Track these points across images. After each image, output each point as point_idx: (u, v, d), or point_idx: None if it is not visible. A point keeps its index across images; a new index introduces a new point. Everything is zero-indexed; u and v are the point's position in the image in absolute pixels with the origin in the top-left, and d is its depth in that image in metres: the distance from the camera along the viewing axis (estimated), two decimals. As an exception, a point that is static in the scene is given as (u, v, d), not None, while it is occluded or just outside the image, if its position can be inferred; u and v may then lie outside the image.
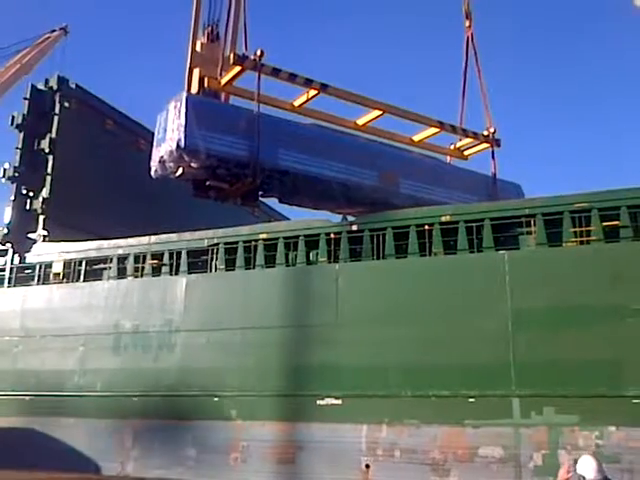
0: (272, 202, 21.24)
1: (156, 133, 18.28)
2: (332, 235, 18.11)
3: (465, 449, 15.11)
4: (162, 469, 17.77)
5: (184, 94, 17.38)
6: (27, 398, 20.22)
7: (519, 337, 15.18)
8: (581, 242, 15.64)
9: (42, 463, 18.32)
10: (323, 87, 18.96)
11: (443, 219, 17.07)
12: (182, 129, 16.72)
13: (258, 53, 17.89)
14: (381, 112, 20.18)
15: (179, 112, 17.00)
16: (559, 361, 14.68)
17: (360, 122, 20.62)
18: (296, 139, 18.78)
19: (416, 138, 21.85)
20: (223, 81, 18.43)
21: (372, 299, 16.91)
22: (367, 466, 15.76)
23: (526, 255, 16.16)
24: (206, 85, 18.41)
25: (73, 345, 20.03)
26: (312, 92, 19.02)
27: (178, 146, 16.70)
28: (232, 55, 18.07)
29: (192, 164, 17.17)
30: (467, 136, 22.52)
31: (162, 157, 17.50)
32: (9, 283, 22.56)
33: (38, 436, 19.49)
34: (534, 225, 16.15)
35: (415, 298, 16.50)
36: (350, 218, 18.70)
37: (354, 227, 18.03)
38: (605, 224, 15.49)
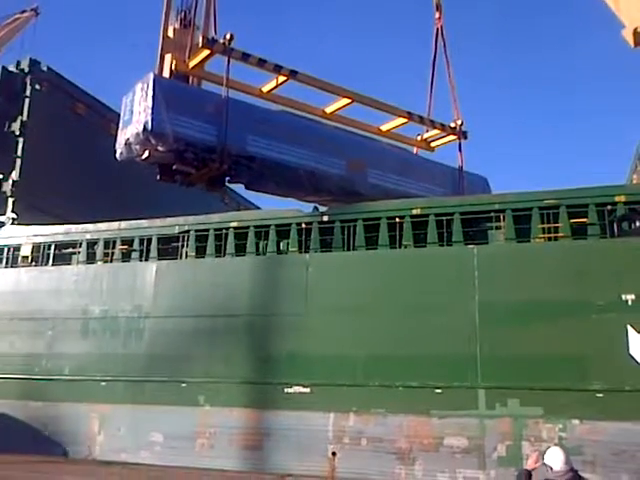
0: (243, 191, 20.64)
1: (122, 115, 17.50)
2: (303, 225, 17.68)
3: (431, 439, 14.88)
4: (128, 453, 17.27)
5: (151, 75, 16.58)
6: (-5, 381, 19.42)
7: (486, 330, 14.96)
8: (549, 238, 15.47)
9: (10, 446, 17.59)
10: (292, 73, 18.46)
11: (414, 212, 16.72)
12: (149, 111, 15.97)
13: (227, 37, 17.25)
14: (350, 100, 19.73)
15: (146, 94, 16.22)
16: (525, 355, 14.51)
17: (328, 110, 20.19)
18: (264, 125, 18.20)
19: (384, 128, 21.52)
20: (191, 64, 17.78)
21: (342, 290, 16.56)
22: (334, 454, 15.40)
23: (495, 250, 15.91)
24: (173, 67, 17.73)
25: (41, 329, 19.40)
26: (281, 78, 18.49)
27: (145, 128, 15.97)
28: (201, 38, 17.43)
29: (159, 147, 16.47)
30: (435, 127, 22.21)
31: (128, 139, 16.74)
32: (-24, 266, 21.60)
33: (6, 419, 18.83)
34: (503, 220, 15.92)
35: (385, 290, 16.18)
36: (322, 209, 18.27)
37: (325, 218, 17.59)
38: (573, 221, 15.33)
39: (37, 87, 24.01)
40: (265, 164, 17.83)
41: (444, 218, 16.33)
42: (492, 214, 16.10)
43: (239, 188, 20.48)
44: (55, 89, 24.86)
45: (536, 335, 14.46)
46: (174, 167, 17.36)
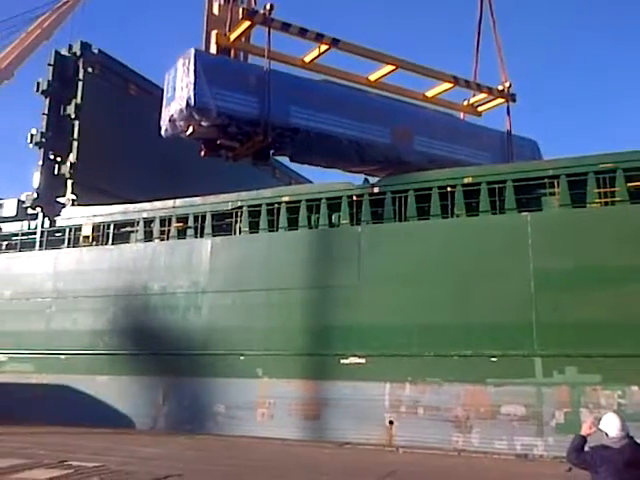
0: (294, 165, 20.74)
1: (165, 92, 17.50)
2: (354, 197, 17.68)
3: (487, 407, 14.90)
4: (192, 424, 17.80)
5: (192, 50, 16.48)
6: (62, 357, 20.27)
7: (541, 297, 14.77)
8: (605, 203, 15.06)
9: (77, 419, 18.38)
10: (334, 42, 18.11)
11: (465, 181, 16.54)
12: (191, 86, 15.93)
13: (267, 7, 17.00)
14: (394, 67, 19.27)
15: (188, 69, 16.17)
16: (582, 321, 14.29)
17: (372, 78, 19.75)
18: (307, 96, 17.98)
19: (429, 94, 21.01)
20: (232, 37, 17.59)
21: (394, 261, 16.55)
22: (391, 422, 15.60)
23: (549, 216, 15.63)
24: (214, 41, 17.55)
25: (104, 306, 20.03)
26: (323, 47, 18.16)
27: (188, 104, 15.96)
28: (241, 10, 17.16)
29: (202, 122, 16.46)
30: (481, 91, 21.55)
31: (172, 116, 16.78)
32: (40, 246, 22.54)
33: (73, 393, 19.66)
34: (557, 186, 15.57)
35: (437, 259, 16.10)
36: (372, 180, 18.16)
37: (376, 189, 17.55)
38: (630, 185, 14.88)
39: (89, 70, 24.38)
40: (309, 135, 17.66)
41: (496, 186, 16.10)
42: (546, 180, 15.78)
43: (289, 162, 20.58)
44: (107, 71, 25.23)
45: (594, 302, 14.21)
46: (218, 142, 17.41)
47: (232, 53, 18.69)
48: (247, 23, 17.12)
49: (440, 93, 21.07)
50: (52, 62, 24.10)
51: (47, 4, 39.38)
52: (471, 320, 15.32)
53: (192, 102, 15.88)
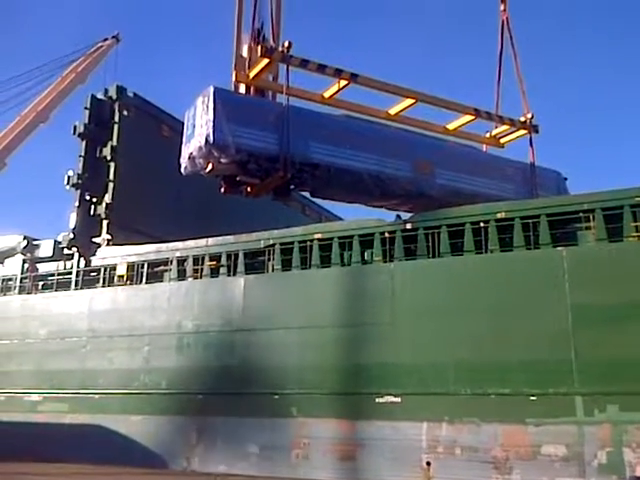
0: (324, 202, 20.75)
1: (185, 130, 17.58)
2: (386, 234, 17.62)
3: (527, 447, 14.53)
4: (226, 465, 17.63)
5: (211, 88, 16.51)
6: (96, 396, 20.32)
7: (580, 334, 14.47)
8: (644, 237, 14.79)
9: (111, 458, 18.40)
10: (353, 77, 18.02)
11: (498, 216, 16.42)
12: (210, 124, 15.99)
13: (286, 44, 17.04)
14: (414, 100, 19.09)
15: (207, 107, 16.25)
16: (624, 358, 13.93)
17: (392, 112, 19.55)
18: (327, 131, 17.88)
19: (450, 126, 20.79)
20: (252, 74, 17.57)
21: (429, 297, 16.39)
22: (428, 463, 15.21)
23: (586, 251, 15.38)
24: (234, 79, 17.56)
25: (138, 345, 20.07)
26: (343, 82, 18.04)
27: (207, 141, 16.01)
28: (260, 47, 17.11)
29: (221, 159, 16.41)
30: (503, 122, 21.30)
31: (191, 153, 16.81)
32: (76, 286, 22.76)
33: (107, 433, 19.62)
34: (593, 220, 15.35)
35: (472, 296, 15.89)
36: (404, 216, 18.14)
37: (408, 226, 17.50)
38: (668, 218, 14.61)
39: (125, 113, 24.94)
40: (329, 171, 17.53)
41: (530, 221, 15.94)
42: (581, 214, 15.59)
43: (321, 200, 20.62)
44: (141, 114, 25.74)
45: (635, 337, 13.89)
46: (238, 178, 17.30)
47: (260, 92, 18.66)
48: (265, 61, 17.12)
49: (461, 125, 20.85)
50: (88, 105, 24.64)
51: (80, 50, 40.57)
52: (508, 357, 15.04)
53: (211, 139, 15.94)
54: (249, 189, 17.93)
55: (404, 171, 18.60)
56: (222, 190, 17.86)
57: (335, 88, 18.30)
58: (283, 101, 17.39)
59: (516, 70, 21.50)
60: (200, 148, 16.32)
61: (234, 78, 17.62)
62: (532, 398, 14.59)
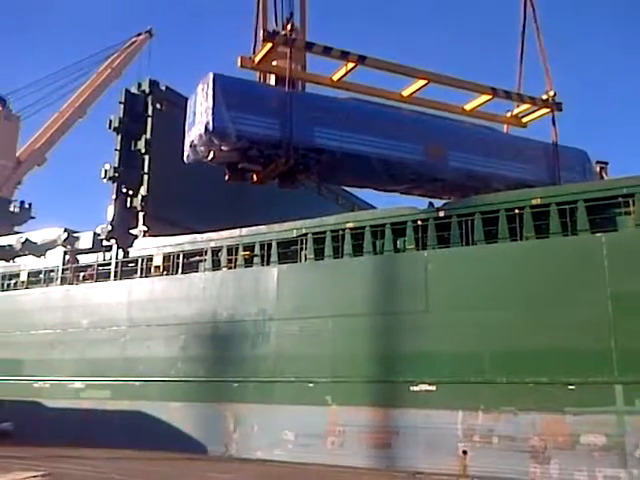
0: (357, 191, 20.03)
1: (187, 118, 16.57)
2: (419, 222, 16.93)
3: (566, 436, 13.78)
4: (263, 451, 17.29)
5: (210, 75, 15.36)
6: (137, 384, 20.16)
7: (620, 322, 13.65)
8: (686, 221, 13.85)
9: (151, 444, 18.19)
10: (361, 59, 16.63)
11: (534, 202, 15.59)
12: (210, 111, 14.92)
13: (288, 27, 15.86)
14: (426, 81, 17.61)
15: (207, 94, 15.19)
16: (666, 346, 13.05)
17: (405, 93, 18.04)
18: (332, 115, 16.55)
19: (468, 107, 19.10)
20: (257, 59, 16.26)
21: (463, 285, 15.69)
22: (464, 452, 14.65)
23: (626, 237, 14.49)
24: (239, 64, 16.28)
25: (175, 334, 19.80)
26: (350, 65, 16.71)
27: (206, 129, 14.97)
28: (262, 32, 15.86)
29: (222, 147, 15.42)
30: (523, 101, 19.61)
31: (192, 141, 15.86)
32: (115, 277, 22.63)
33: (147, 419, 19.47)
34: (633, 205, 14.44)
35: (508, 283, 15.17)
36: (437, 204, 17.39)
37: (441, 213, 16.79)
38: None
39: (158, 106, 24.59)
40: (335, 156, 16.29)
41: (567, 207, 15.11)
42: (620, 199, 14.70)
43: (353, 189, 19.82)
44: (174, 106, 25.29)
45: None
46: (240, 166, 16.35)
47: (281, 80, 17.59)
48: (269, 45, 15.96)
49: (479, 106, 19.17)
50: (123, 100, 24.33)
51: (114, 45, 40.46)
52: (545, 346, 14.30)
53: (210, 127, 14.93)
54: (254, 177, 16.86)
55: (415, 154, 17.17)
56: (226, 178, 16.83)
57: (343, 71, 16.96)
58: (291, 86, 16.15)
59: (539, 45, 20.16)
60: (200, 136, 15.36)
61: (239, 63, 16.31)
62: (570, 387, 13.83)
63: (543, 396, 14.08)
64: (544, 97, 19.60)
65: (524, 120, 20.32)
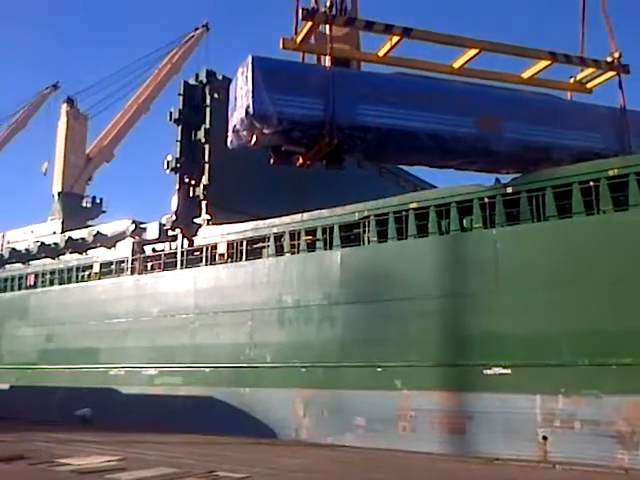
0: (418, 171, 18.88)
1: (230, 103, 15.66)
2: (486, 200, 15.75)
3: (656, 421, 12.48)
4: (333, 437, 16.66)
5: (250, 57, 14.45)
6: (207, 370, 19.86)
7: None
8: None
9: (222, 429, 17.88)
10: (406, 32, 15.28)
11: (610, 173, 14.18)
12: (250, 94, 14.05)
13: (327, 4, 14.83)
14: (477, 50, 16.07)
15: (246, 78, 14.32)
16: None
17: (456, 65, 16.51)
18: (377, 91, 15.36)
19: (525, 75, 17.28)
20: (298, 40, 15.20)
21: (535, 263, 14.51)
22: (544, 438, 13.55)
23: None
24: (281, 46, 15.24)
25: (242, 320, 19.35)
26: (395, 39, 15.39)
27: (247, 113, 14.11)
28: (300, 11, 14.87)
29: (264, 130, 14.53)
30: (586, 65, 17.56)
31: (235, 126, 15.00)
32: (181, 265, 22.34)
33: (217, 404, 19.18)
34: None
35: (585, 260, 13.89)
36: (504, 180, 16.13)
37: (509, 189, 15.56)
38: None
39: (215, 96, 24.03)
40: (381, 133, 15.13)
41: (647, 176, 13.70)
42: None
43: (414, 170, 18.68)
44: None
45: None
46: (283, 148, 15.47)
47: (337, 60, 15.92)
48: (309, 24, 14.90)
49: (538, 72, 17.28)
50: (181, 92, 23.96)
51: (174, 41, 40.22)
52: (628, 325, 13.00)
53: (251, 110, 14.06)
54: (300, 160, 15.94)
55: (466, 127, 15.78)
56: (272, 162, 15.96)
57: (388, 46, 15.66)
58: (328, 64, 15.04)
59: (602, 4, 18.25)
60: (242, 120, 14.55)
61: (281, 45, 15.32)
62: None
63: (628, 378, 12.83)
64: (609, 59, 17.59)
65: (588, 85, 18.32)
